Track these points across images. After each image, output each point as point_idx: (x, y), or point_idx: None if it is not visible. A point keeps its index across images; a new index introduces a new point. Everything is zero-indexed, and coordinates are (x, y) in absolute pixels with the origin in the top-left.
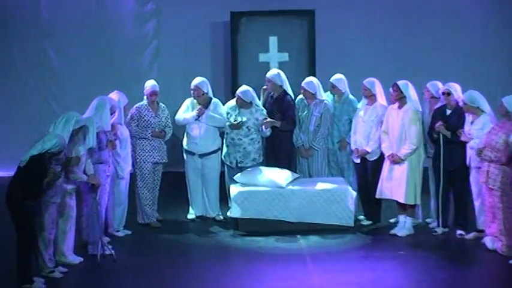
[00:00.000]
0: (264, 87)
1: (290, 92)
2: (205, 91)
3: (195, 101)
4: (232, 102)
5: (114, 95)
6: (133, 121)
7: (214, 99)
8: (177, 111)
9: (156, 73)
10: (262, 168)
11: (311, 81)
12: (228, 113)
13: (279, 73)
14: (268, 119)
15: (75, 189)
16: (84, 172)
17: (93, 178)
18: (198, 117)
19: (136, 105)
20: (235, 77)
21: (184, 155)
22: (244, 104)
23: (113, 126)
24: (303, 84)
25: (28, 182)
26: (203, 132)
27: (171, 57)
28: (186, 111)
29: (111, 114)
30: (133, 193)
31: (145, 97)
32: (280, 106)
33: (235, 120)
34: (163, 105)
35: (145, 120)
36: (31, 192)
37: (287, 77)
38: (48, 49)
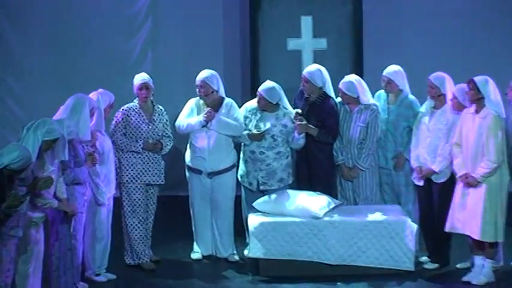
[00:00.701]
0: (301, 87)
1: (332, 93)
2: (215, 88)
3: (201, 101)
4: (253, 103)
5: (93, 94)
6: (119, 128)
7: (228, 100)
8: (177, 116)
9: (150, 64)
10: (292, 192)
11: (350, 81)
12: (246, 118)
13: (319, 70)
14: (302, 122)
15: (42, 218)
16: (55, 196)
17: (66, 204)
18: (206, 123)
19: (124, 107)
20: (256, 70)
21: (188, 174)
22: (268, 106)
23: (91, 135)
24: (340, 85)
25: None
26: (213, 143)
27: (171, 42)
28: (190, 115)
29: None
30: (119, 224)
31: (135, 99)
32: (319, 112)
33: (256, 128)
34: (160, 107)
35: (134, 127)
36: None
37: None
38: (5, 28)
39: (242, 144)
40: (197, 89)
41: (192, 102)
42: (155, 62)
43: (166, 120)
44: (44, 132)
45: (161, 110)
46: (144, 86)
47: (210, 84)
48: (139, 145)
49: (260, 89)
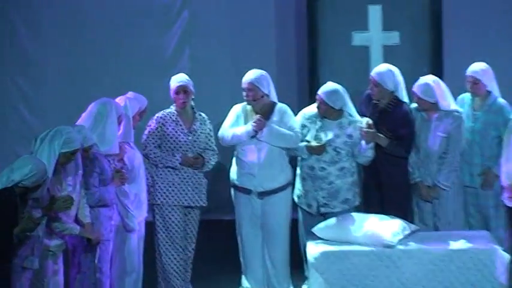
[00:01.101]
0: (368, 91)
1: (405, 98)
2: (266, 92)
3: (249, 107)
4: (311, 109)
5: (120, 99)
6: (152, 139)
7: (280, 105)
8: (221, 124)
9: (188, 63)
10: (359, 215)
11: (427, 83)
12: (303, 127)
13: (390, 71)
14: (370, 129)
15: (62, 246)
16: (76, 220)
17: (90, 230)
18: (255, 134)
19: (158, 114)
20: (314, 69)
21: (234, 194)
22: (330, 113)
23: (119, 147)
24: (415, 89)
25: None
26: (264, 157)
27: (212, 36)
28: (236, 123)
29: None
30: (152, 254)
31: (172, 105)
32: (390, 121)
33: (315, 139)
34: (202, 114)
35: (171, 138)
36: None
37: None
38: (17, 22)
39: (299, 158)
40: (244, 93)
41: (238, 109)
42: (194, 60)
43: (210, 130)
44: (62, 143)
45: (203, 117)
46: (181, 90)
47: (259, 87)
48: (177, 159)
49: (320, 91)
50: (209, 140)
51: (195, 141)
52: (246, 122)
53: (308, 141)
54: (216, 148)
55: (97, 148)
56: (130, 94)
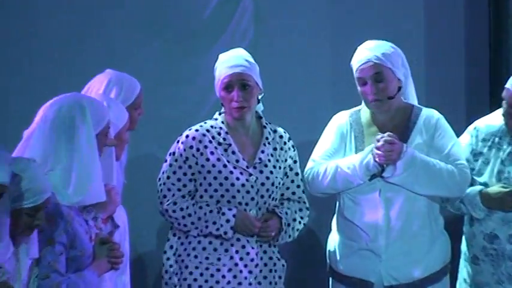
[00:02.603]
0: None
1: None
2: (401, 80)
3: (365, 115)
4: (490, 120)
5: (98, 82)
6: (178, 183)
7: (428, 112)
8: (310, 152)
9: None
10: None
11: None
12: (477, 155)
13: None
14: None
15: None
16: None
17: None
18: (380, 169)
19: (190, 131)
20: (498, 59)
21: None
22: None
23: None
24: None
25: None
26: (396, 216)
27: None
28: (339, 150)
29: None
30: None
31: (219, 112)
32: None
33: (503, 180)
34: (279, 130)
35: (215, 177)
36: None
37: None
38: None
39: (466, 218)
40: (361, 87)
41: (342, 121)
42: (260, 34)
43: (294, 162)
44: None
45: (281, 134)
46: (237, 82)
47: (393, 70)
48: (228, 220)
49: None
50: (293, 179)
51: (263, 183)
52: (359, 147)
53: (485, 184)
54: (305, 196)
55: (55, 198)
56: (108, 74)
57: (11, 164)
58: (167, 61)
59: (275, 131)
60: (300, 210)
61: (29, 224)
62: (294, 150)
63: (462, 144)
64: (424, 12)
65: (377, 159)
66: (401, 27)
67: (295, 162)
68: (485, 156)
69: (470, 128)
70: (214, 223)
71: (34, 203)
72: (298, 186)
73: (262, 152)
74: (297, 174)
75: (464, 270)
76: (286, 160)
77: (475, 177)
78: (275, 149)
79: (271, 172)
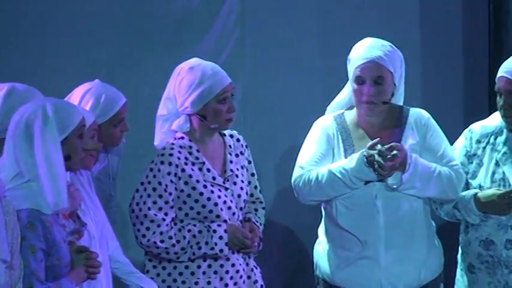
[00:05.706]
0: None
1: None
2: (397, 82)
3: (349, 117)
4: (487, 121)
5: (78, 91)
6: (166, 206)
7: (416, 112)
8: (297, 155)
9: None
10: None
11: None
12: (471, 157)
13: None
14: None
15: None
16: None
17: None
18: (382, 176)
19: (163, 157)
20: (497, 67)
21: None
22: None
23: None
24: None
25: None
26: (393, 222)
27: None
28: (327, 155)
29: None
30: None
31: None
32: None
33: (498, 182)
34: (233, 134)
35: (197, 197)
36: None
37: None
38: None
39: (462, 228)
40: (356, 85)
41: (327, 124)
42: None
43: (249, 162)
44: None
45: (238, 138)
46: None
47: (391, 71)
48: (220, 237)
49: (504, 71)
50: (250, 180)
51: (239, 195)
52: (347, 150)
53: (480, 187)
54: (262, 196)
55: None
56: (90, 85)
57: None
58: (154, 58)
59: (232, 136)
60: (262, 212)
61: None
62: (248, 150)
63: (457, 147)
64: (420, 12)
65: (382, 173)
66: (397, 26)
67: (249, 162)
68: (480, 157)
69: (466, 130)
70: (207, 243)
71: None
72: (256, 187)
73: (231, 162)
74: (253, 175)
75: (460, 280)
76: (246, 163)
77: (469, 180)
78: (237, 155)
79: (242, 181)
